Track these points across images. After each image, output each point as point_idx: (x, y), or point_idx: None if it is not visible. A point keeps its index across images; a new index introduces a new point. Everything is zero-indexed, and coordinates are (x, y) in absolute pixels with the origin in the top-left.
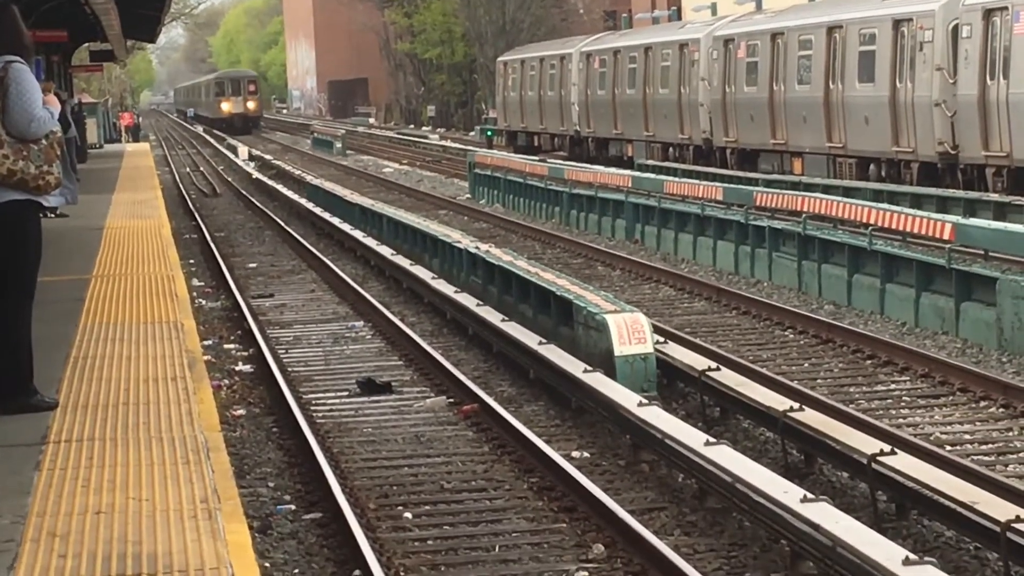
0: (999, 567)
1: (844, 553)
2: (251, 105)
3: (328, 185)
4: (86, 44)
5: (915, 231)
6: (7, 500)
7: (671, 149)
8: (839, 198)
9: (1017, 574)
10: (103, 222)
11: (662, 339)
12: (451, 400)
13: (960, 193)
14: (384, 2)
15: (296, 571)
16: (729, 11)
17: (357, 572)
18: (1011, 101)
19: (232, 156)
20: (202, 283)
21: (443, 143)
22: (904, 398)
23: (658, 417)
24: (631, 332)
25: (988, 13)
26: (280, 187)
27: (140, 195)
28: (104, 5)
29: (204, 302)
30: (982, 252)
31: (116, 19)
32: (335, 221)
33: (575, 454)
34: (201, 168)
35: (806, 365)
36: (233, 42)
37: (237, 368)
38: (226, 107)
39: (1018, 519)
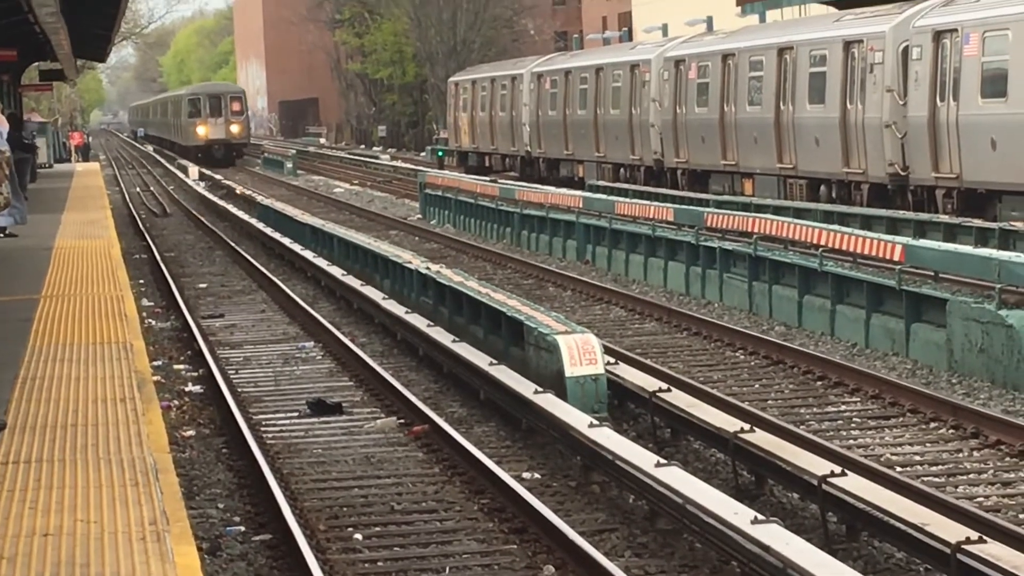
0: None
1: (795, 575)
2: (235, 129)
3: (279, 205)
4: (36, 63)
5: (865, 252)
6: None
7: (622, 170)
8: (790, 219)
9: None
10: (52, 242)
11: (613, 360)
12: (401, 421)
13: (910, 214)
14: (335, 22)
15: None
16: (680, 32)
17: None
18: (960, 122)
19: (182, 176)
20: (152, 303)
21: (394, 163)
22: (854, 419)
23: (609, 438)
24: (582, 353)
25: (938, 35)
26: (230, 207)
27: (90, 215)
28: (54, 24)
29: (154, 322)
30: (932, 273)
31: (66, 38)
32: (286, 241)
33: (526, 475)
34: (151, 188)
35: (757, 386)
36: (184, 62)
37: (187, 389)
38: (202, 131)
39: (968, 540)
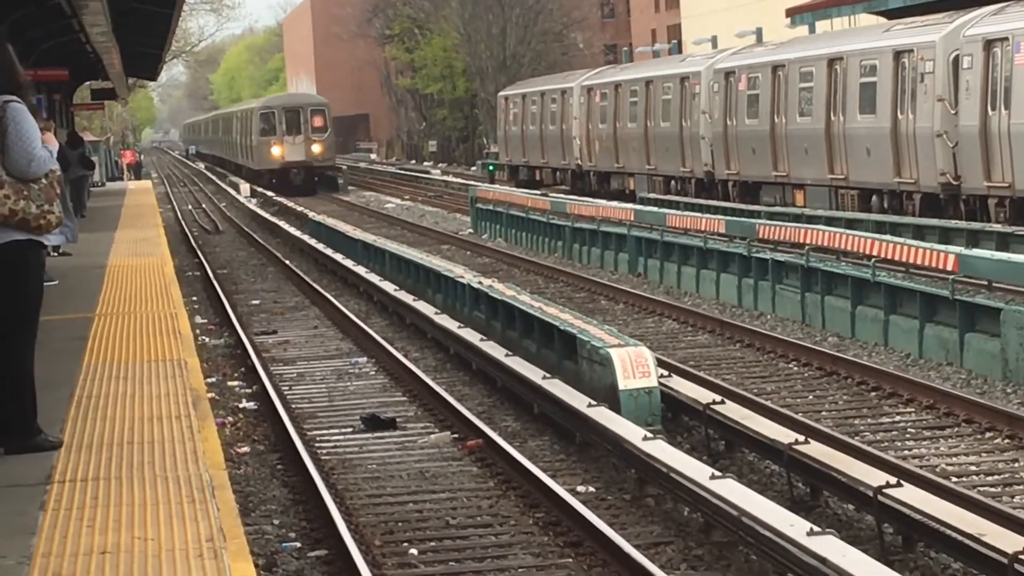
0: None
1: None
2: (317, 149)
3: (330, 221)
4: (87, 82)
5: (918, 262)
6: (12, 541)
7: (673, 182)
8: (842, 230)
9: None
10: (105, 260)
11: (666, 373)
12: (455, 435)
13: (963, 224)
14: (385, 38)
15: None
16: (729, 44)
17: None
18: (1013, 132)
19: (234, 193)
20: (205, 320)
21: (445, 178)
22: (909, 430)
23: (663, 451)
24: (635, 366)
25: (989, 44)
26: (282, 223)
27: (142, 233)
28: (105, 44)
29: (207, 339)
30: (986, 283)
31: (117, 57)
32: (338, 257)
33: (580, 489)
34: (203, 205)
35: (811, 397)
36: (234, 79)
37: (241, 405)
38: (278, 152)
39: None
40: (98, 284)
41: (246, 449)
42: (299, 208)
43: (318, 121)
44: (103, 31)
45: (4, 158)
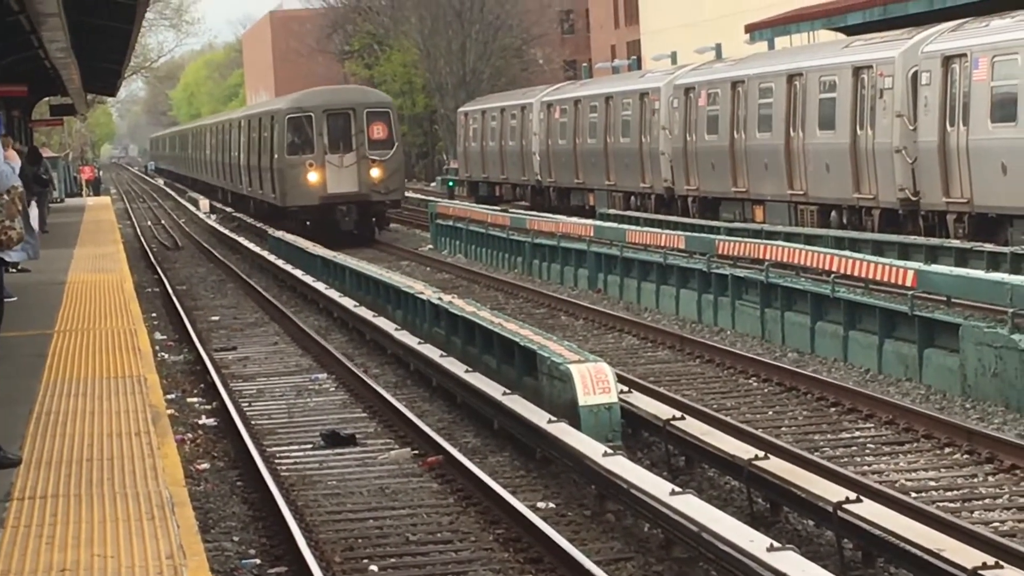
0: None
1: None
2: (377, 173)
3: (290, 237)
4: (46, 98)
5: (877, 278)
6: None
7: (633, 198)
8: (801, 246)
9: None
10: (65, 276)
11: (626, 388)
12: (415, 452)
13: (922, 240)
14: (344, 54)
15: None
16: (689, 60)
17: None
18: (971, 148)
19: (193, 209)
20: (164, 337)
21: (405, 194)
22: (869, 445)
23: (623, 467)
24: (595, 382)
25: (947, 60)
26: (242, 240)
27: (102, 249)
28: (64, 59)
29: (167, 356)
30: (944, 298)
31: (76, 73)
32: (297, 273)
33: (541, 505)
34: (162, 221)
35: (770, 413)
36: (193, 95)
37: (201, 422)
38: (316, 178)
39: (985, 566)
40: (57, 300)
41: (206, 466)
42: (258, 224)
43: (379, 130)
44: (62, 47)
45: None
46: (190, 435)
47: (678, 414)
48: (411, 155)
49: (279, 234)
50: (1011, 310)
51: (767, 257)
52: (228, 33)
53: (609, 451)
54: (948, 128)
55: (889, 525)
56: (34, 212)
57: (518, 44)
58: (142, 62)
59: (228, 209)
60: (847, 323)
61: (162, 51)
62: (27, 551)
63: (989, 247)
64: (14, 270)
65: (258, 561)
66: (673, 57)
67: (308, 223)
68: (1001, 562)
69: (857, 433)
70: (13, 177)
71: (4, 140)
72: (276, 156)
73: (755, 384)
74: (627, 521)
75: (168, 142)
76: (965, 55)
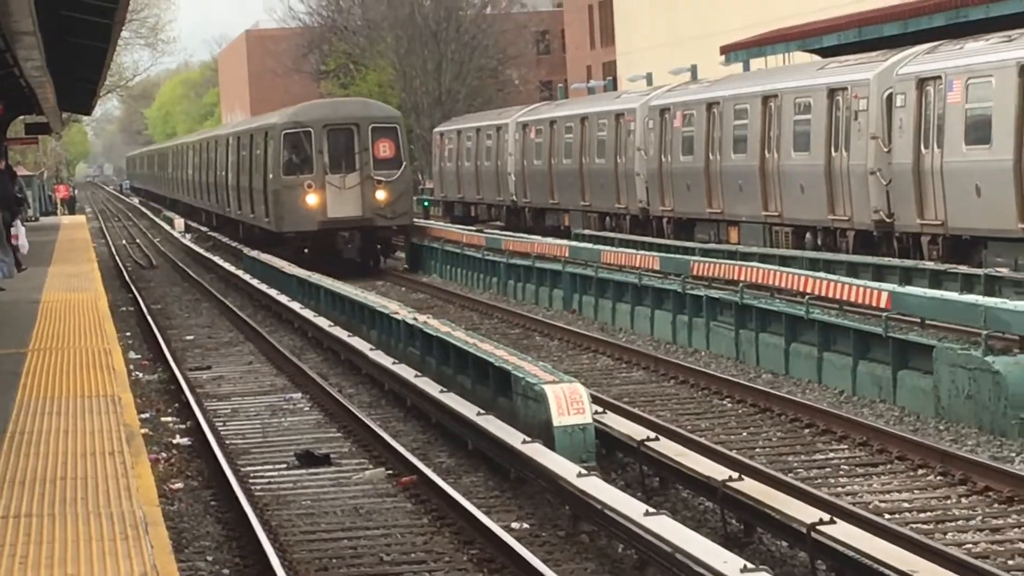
0: None
1: None
2: (383, 195)
3: (264, 257)
4: (21, 117)
5: (852, 299)
6: None
7: (608, 218)
8: (776, 267)
9: None
10: (39, 295)
11: (600, 409)
12: (390, 472)
13: (896, 261)
14: (320, 74)
15: None
16: (665, 81)
17: None
18: (945, 170)
19: (168, 228)
20: (139, 356)
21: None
22: (843, 466)
23: (597, 488)
24: (569, 402)
25: (922, 82)
26: (217, 259)
27: (76, 268)
28: (40, 78)
29: (141, 375)
30: (918, 320)
31: (51, 91)
32: (272, 293)
33: (515, 525)
34: (137, 240)
35: (744, 434)
36: (169, 113)
37: (175, 441)
38: (315, 201)
39: None
40: (32, 319)
41: (180, 485)
42: (233, 244)
43: (386, 148)
44: (37, 65)
45: None
46: (164, 454)
47: (652, 435)
48: None
49: (254, 253)
50: (985, 332)
51: (741, 278)
52: (204, 52)
53: (583, 472)
54: (923, 150)
55: (863, 546)
56: (22, 231)
57: (494, 64)
58: (117, 81)
59: (203, 229)
60: (821, 344)
61: (137, 70)
62: (0, 570)
63: (963, 269)
64: None
65: None
66: (648, 78)
67: (306, 250)
68: None
69: (831, 454)
70: None
71: None
72: (271, 176)
73: (729, 405)
74: (601, 542)
75: (146, 161)
76: (940, 77)
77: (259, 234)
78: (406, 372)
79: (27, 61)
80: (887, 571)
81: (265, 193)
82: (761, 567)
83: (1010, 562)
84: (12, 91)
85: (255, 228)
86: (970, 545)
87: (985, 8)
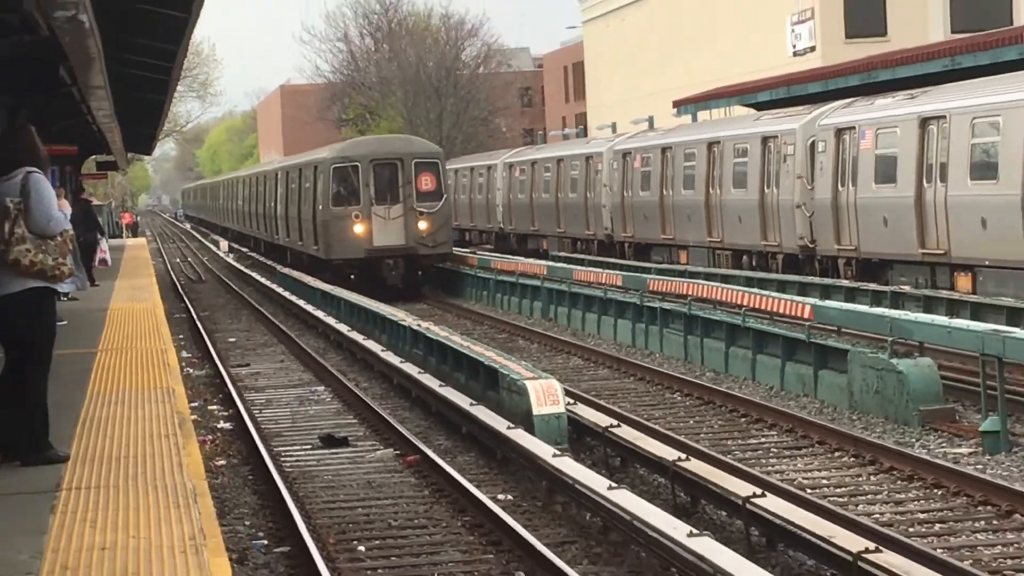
0: None
1: None
2: (424, 225)
3: (296, 273)
4: (93, 156)
5: (780, 311)
6: (26, 539)
7: (579, 243)
8: (718, 284)
9: None
10: (107, 304)
11: (572, 401)
12: (397, 452)
13: (817, 280)
14: (341, 121)
15: None
16: (626, 129)
17: None
18: (858, 204)
19: (215, 249)
20: (190, 355)
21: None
22: (772, 449)
23: (569, 466)
24: (546, 395)
25: (839, 132)
26: (255, 275)
27: (138, 281)
28: (108, 124)
29: (192, 371)
30: (835, 328)
31: (118, 136)
32: (300, 303)
33: (500, 496)
34: (189, 259)
35: (691, 422)
36: (216, 153)
37: (219, 426)
38: (361, 230)
39: (867, 550)
40: (101, 324)
41: (223, 462)
42: (268, 262)
43: (427, 181)
44: (107, 114)
45: (27, 219)
46: (210, 437)
47: (615, 422)
48: None
49: (285, 270)
50: (890, 339)
51: (689, 293)
52: (245, 103)
53: (558, 452)
54: (839, 188)
55: (789, 516)
56: (105, 247)
57: (485, 115)
58: (173, 126)
59: (244, 250)
60: (755, 348)
61: (190, 118)
62: (73, 532)
63: (873, 286)
64: (65, 298)
65: (266, 542)
66: (613, 127)
67: (352, 276)
68: (880, 547)
69: (762, 439)
70: (65, 222)
71: (58, 192)
72: (320, 207)
73: (679, 398)
74: (572, 511)
75: (198, 192)
76: (854, 128)
77: (307, 260)
78: (411, 369)
79: (99, 111)
80: (808, 536)
81: (314, 222)
82: (704, 532)
83: (910, 529)
84: (86, 135)
85: (303, 255)
86: (877, 515)
87: (891, 71)
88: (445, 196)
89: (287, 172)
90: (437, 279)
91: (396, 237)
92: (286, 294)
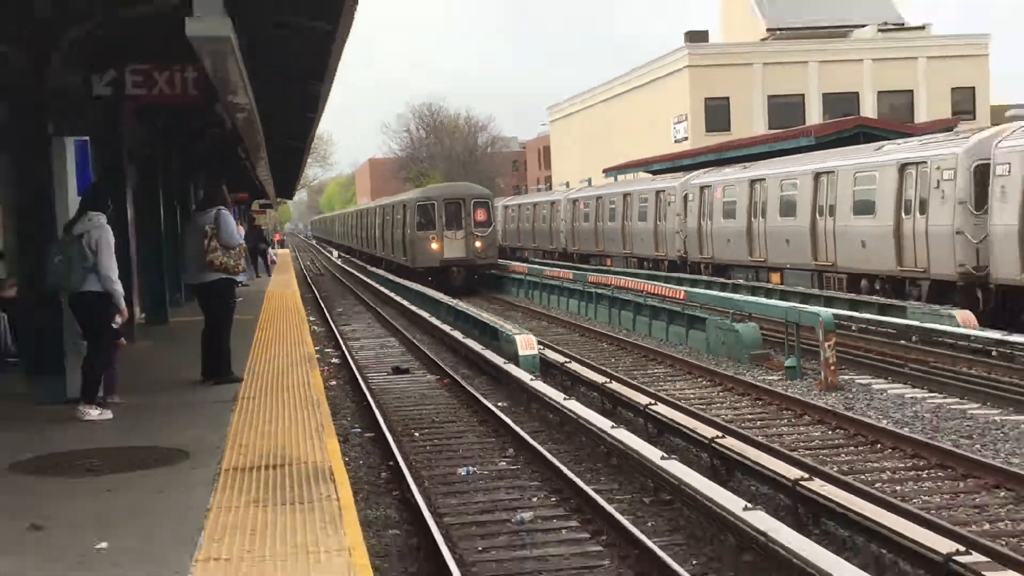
0: (711, 465)
1: (619, 447)
2: (479, 244)
3: (382, 272)
4: (257, 200)
5: (666, 295)
6: (217, 429)
7: (544, 253)
8: (630, 278)
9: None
10: (266, 288)
11: (543, 347)
12: (438, 377)
13: (689, 276)
14: (406, 180)
15: (361, 462)
16: (576, 185)
17: (391, 463)
18: (713, 231)
19: (330, 255)
20: (314, 318)
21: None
22: (662, 376)
23: (540, 387)
24: (527, 344)
25: (702, 188)
26: (354, 271)
27: (284, 276)
28: (266, 179)
29: (316, 328)
30: (698, 305)
31: (271, 187)
32: (383, 290)
33: (500, 404)
34: (313, 262)
35: (613, 360)
36: (331, 198)
37: (332, 360)
38: (436, 247)
39: (717, 436)
40: (261, 301)
41: (334, 382)
42: (360, 263)
43: (481, 215)
44: (265, 175)
45: (217, 237)
46: (326, 367)
47: (567, 360)
48: None
49: (372, 269)
50: (732, 311)
51: (611, 283)
52: (348, 168)
53: (533, 378)
54: (702, 222)
55: (671, 416)
56: (272, 254)
57: (492, 176)
58: (305, 182)
59: (348, 256)
60: (651, 316)
61: (315, 177)
62: (245, 423)
63: (721, 280)
64: (241, 285)
65: (360, 430)
66: (567, 184)
67: (430, 279)
68: (725, 435)
69: (655, 371)
70: (240, 239)
71: (237, 221)
72: (408, 231)
73: (605, 346)
74: (543, 413)
75: (321, 222)
76: (711, 185)
77: (396, 267)
78: (447, 328)
79: (260, 171)
80: (681, 427)
81: (404, 241)
82: (620, 424)
83: (743, 424)
84: (253, 187)
85: (394, 263)
86: (724, 416)
87: (733, 152)
88: (493, 224)
89: (382, 208)
90: (486, 280)
91: (459, 252)
92: (372, 282)
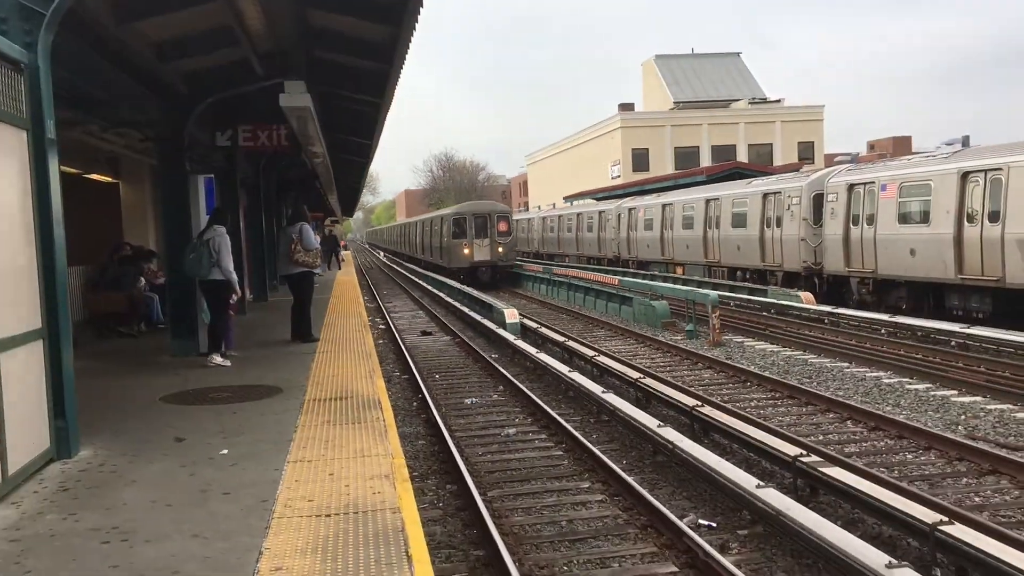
0: (636, 397)
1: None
2: (501, 250)
3: (420, 268)
4: (328, 217)
5: (606, 282)
6: (302, 371)
7: (523, 254)
8: (582, 270)
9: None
10: (335, 277)
11: (523, 317)
12: (452, 338)
13: (621, 269)
14: (430, 206)
15: (400, 396)
16: (546, 209)
17: (420, 396)
18: (635, 239)
19: (379, 255)
20: (367, 298)
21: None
22: (602, 338)
23: (521, 345)
24: (512, 315)
25: (631, 210)
26: (397, 267)
27: (347, 271)
28: (334, 203)
29: (368, 304)
30: (627, 289)
31: (338, 208)
32: (419, 280)
33: (493, 355)
34: (367, 260)
35: (570, 326)
36: (378, 216)
37: (380, 327)
38: (467, 252)
39: (640, 377)
40: (332, 286)
41: (381, 341)
42: (403, 261)
43: (503, 226)
44: (334, 200)
45: (300, 243)
46: (376, 331)
47: (539, 326)
48: None
49: (410, 265)
50: (650, 292)
51: (571, 275)
52: (391, 195)
53: (516, 339)
54: (630, 233)
55: (610, 364)
56: (342, 252)
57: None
58: (361, 206)
59: (392, 256)
60: (595, 296)
61: (368, 202)
62: (321, 367)
63: (644, 272)
64: (319, 275)
65: (398, 373)
66: (539, 208)
67: (462, 277)
68: (645, 377)
69: (599, 333)
70: (317, 244)
71: (316, 233)
72: (445, 239)
73: (566, 317)
74: (523, 362)
75: (373, 233)
76: (636, 208)
77: (434, 267)
78: (460, 305)
79: (331, 196)
80: (616, 370)
81: (441, 247)
82: (575, 370)
83: (657, 370)
84: (325, 207)
85: (432, 264)
86: (644, 363)
87: (653, 185)
88: (512, 234)
89: (421, 222)
90: (507, 277)
91: (486, 255)
92: (411, 276)
